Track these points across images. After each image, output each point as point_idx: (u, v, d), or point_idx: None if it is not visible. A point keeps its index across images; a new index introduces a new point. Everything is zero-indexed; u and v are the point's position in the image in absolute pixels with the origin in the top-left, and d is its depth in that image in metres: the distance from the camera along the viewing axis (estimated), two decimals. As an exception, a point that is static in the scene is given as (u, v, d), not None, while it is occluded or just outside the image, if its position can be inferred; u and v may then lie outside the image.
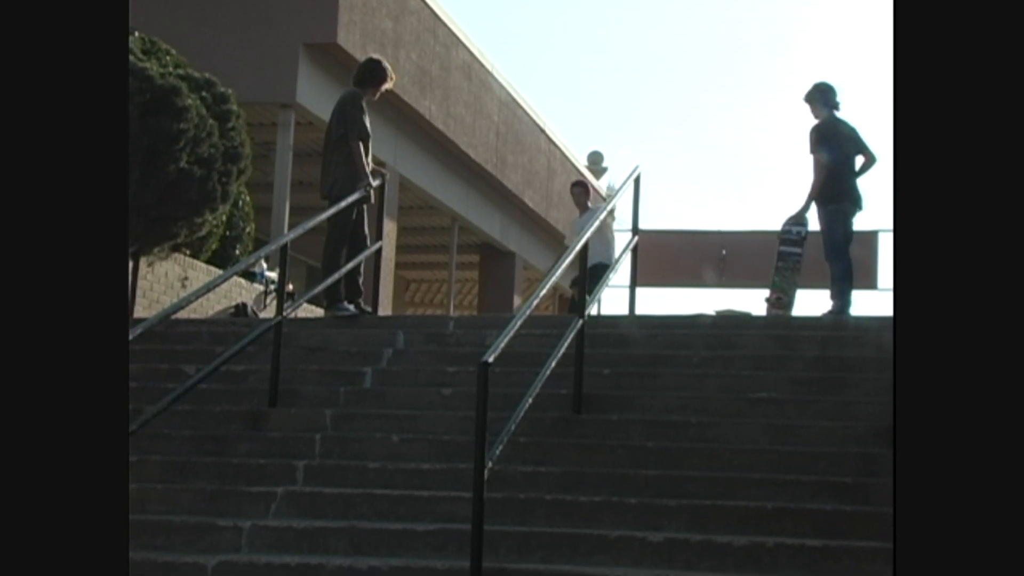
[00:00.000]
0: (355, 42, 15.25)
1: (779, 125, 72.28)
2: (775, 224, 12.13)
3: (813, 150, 11.32)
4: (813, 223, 11.54)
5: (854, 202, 11.38)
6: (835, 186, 11.24)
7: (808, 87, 11.60)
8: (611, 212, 13.49)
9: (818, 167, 11.23)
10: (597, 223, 9.20)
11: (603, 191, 25.08)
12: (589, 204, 14.31)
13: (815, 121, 11.44)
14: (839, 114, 11.44)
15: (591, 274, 11.74)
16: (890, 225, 18.08)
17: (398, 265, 19.08)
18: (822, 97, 11.48)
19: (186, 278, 11.64)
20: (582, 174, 24.80)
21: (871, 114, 65.90)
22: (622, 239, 12.78)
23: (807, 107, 11.56)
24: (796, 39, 73.68)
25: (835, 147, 11.24)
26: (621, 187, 10.52)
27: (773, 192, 65.55)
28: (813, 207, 11.36)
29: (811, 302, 25.70)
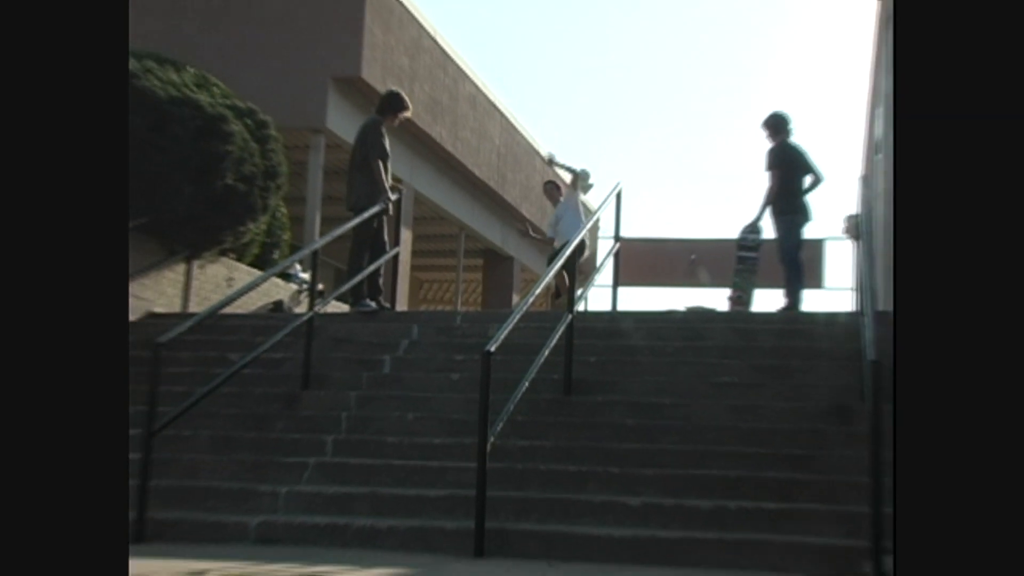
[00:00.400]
0: (376, 76, 15.23)
1: (742, 147, 72.34)
2: (736, 232, 12.14)
3: (768, 168, 11.34)
4: (767, 232, 11.57)
5: (804, 214, 11.44)
6: (788, 201, 11.28)
7: (766, 115, 11.62)
8: (589, 213, 13.34)
9: (772, 183, 11.27)
10: (587, 229, 9.23)
11: (591, 205, 25.01)
12: (561, 199, 14.13)
13: (771, 144, 11.46)
14: (792, 139, 11.47)
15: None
16: (834, 234, 18.08)
17: (413, 268, 19.07)
18: (778, 125, 11.51)
19: (231, 278, 11.62)
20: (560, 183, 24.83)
21: (827, 136, 65.86)
22: (605, 246, 12.78)
23: (764, 131, 11.59)
24: (761, 74, 73.70)
25: (788, 168, 11.28)
26: (604, 202, 10.55)
27: (736, 205, 65.66)
28: (767, 217, 11.40)
29: (767, 299, 25.70)
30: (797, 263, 11.32)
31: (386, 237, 10.52)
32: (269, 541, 6.27)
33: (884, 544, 5.58)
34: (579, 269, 8.59)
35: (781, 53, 75.35)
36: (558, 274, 12.52)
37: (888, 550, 5.61)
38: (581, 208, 13.90)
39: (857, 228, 11.89)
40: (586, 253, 13.68)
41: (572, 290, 8.35)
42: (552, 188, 14.66)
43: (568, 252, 8.52)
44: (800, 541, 5.85)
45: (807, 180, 11.45)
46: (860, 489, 5.95)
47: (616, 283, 11.50)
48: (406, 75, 16.25)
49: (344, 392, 8.44)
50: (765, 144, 11.55)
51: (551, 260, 12.78)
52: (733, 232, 12.54)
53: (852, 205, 21.44)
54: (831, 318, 10.32)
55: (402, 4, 16.40)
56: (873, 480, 5.65)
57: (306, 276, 12.77)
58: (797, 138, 11.55)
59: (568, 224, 13.17)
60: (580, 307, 9.30)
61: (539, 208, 22.72)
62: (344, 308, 11.15)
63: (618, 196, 10.67)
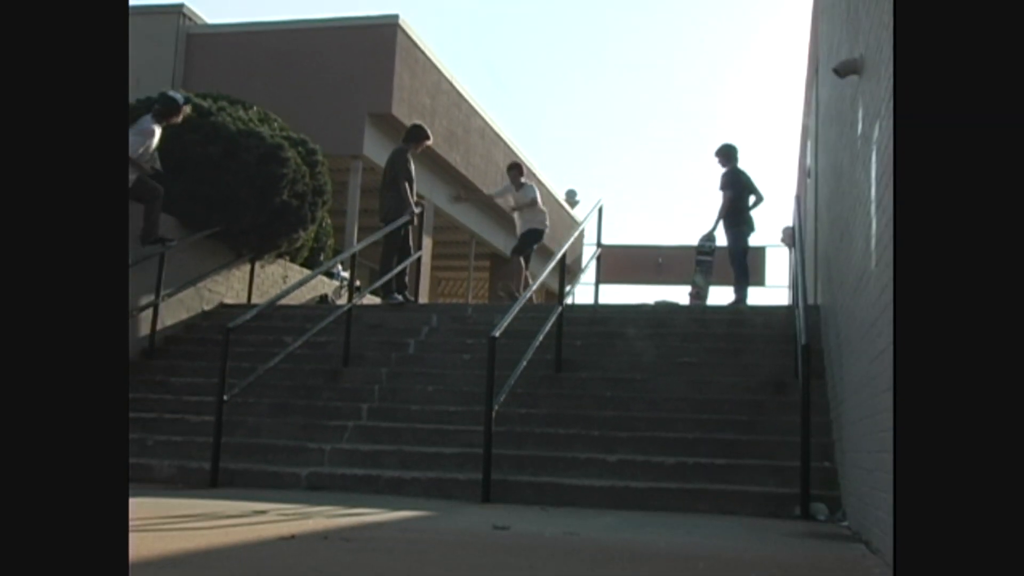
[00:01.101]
0: (404, 112, 15.22)
1: (701, 169, 72.23)
2: (696, 240, 12.15)
3: (721, 188, 11.36)
4: (720, 240, 11.57)
5: (749, 226, 11.47)
6: (738, 215, 11.31)
7: (719, 146, 11.64)
8: (534, 201, 12.34)
9: (724, 201, 11.30)
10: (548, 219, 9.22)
11: (577, 219, 24.96)
12: (523, 181, 12.68)
13: (723, 169, 11.47)
14: (739, 165, 11.49)
15: (529, 237, 12.26)
16: (773, 242, 18.04)
17: (433, 268, 19.05)
18: (729, 153, 11.52)
19: (286, 276, 11.63)
20: (563, 205, 24.79)
21: (768, 161, 65.70)
22: (589, 251, 12.74)
23: (717, 159, 11.61)
24: (716, 112, 73.57)
25: (737, 188, 11.29)
26: (587, 215, 10.54)
27: (696, 217, 65.62)
28: (720, 228, 11.42)
29: (719, 295, 25.61)
30: (744, 266, 11.35)
31: (411, 243, 10.54)
32: (317, 488, 6.30)
33: (810, 492, 5.62)
34: (568, 269, 8.53)
35: (733, 96, 75.22)
36: (524, 278, 12.21)
37: (814, 496, 5.65)
38: (539, 197, 12.69)
39: (792, 238, 11.91)
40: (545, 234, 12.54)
41: (562, 286, 8.36)
42: (516, 172, 12.84)
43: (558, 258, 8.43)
44: (745, 490, 5.88)
45: (752, 199, 11.49)
46: (793, 447, 5.97)
47: (598, 281, 11.50)
48: (428, 112, 16.24)
49: (377, 369, 8.45)
50: (718, 169, 11.58)
51: (519, 248, 12.44)
52: (693, 240, 12.50)
53: (788, 219, 21.39)
54: (771, 310, 10.34)
55: (425, 54, 16.39)
56: (803, 440, 5.68)
57: (346, 274, 12.79)
58: (743, 164, 11.60)
59: (530, 216, 12.45)
60: (569, 300, 9.32)
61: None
62: (377, 301, 11.17)
63: (600, 211, 10.69)
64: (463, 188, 14.42)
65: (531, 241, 12.47)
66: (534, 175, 22.45)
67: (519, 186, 12.65)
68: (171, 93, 9.09)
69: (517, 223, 12.68)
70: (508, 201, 13.04)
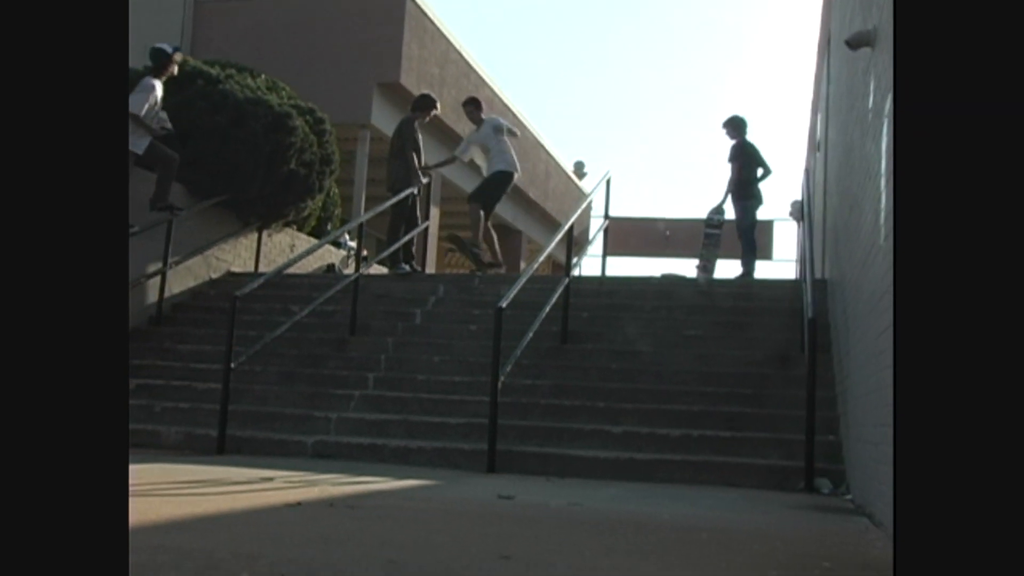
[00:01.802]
0: (412, 82, 15.16)
1: (710, 142, 71.89)
2: (703, 213, 12.12)
3: (730, 161, 11.32)
4: (729, 214, 11.55)
5: (758, 199, 11.44)
6: (746, 189, 11.28)
7: (728, 118, 11.58)
8: (510, 131, 10.65)
9: (733, 174, 11.26)
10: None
11: (585, 190, 24.88)
12: (483, 117, 10.76)
13: (732, 142, 11.43)
14: (747, 138, 11.44)
15: (498, 179, 10.50)
16: (782, 216, 18.00)
17: (440, 238, 19.05)
18: (737, 126, 11.47)
19: (294, 245, 11.65)
20: (571, 177, 24.71)
21: (778, 134, 65.43)
22: (596, 223, 12.66)
23: (725, 130, 11.57)
24: (726, 82, 73.14)
25: (745, 161, 11.25)
26: (596, 186, 10.51)
27: (704, 190, 65.44)
28: (729, 202, 11.39)
29: (727, 268, 25.55)
30: (752, 240, 11.34)
31: (419, 213, 10.54)
32: (323, 456, 6.34)
33: (815, 465, 5.65)
34: (575, 241, 8.45)
35: (743, 68, 74.74)
36: (485, 231, 10.54)
37: (819, 470, 5.68)
38: (505, 135, 10.65)
39: (801, 211, 11.88)
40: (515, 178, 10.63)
41: (569, 257, 8.35)
42: (473, 108, 10.84)
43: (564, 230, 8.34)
44: (749, 462, 5.91)
45: (759, 172, 11.45)
46: (797, 421, 6.00)
47: (605, 253, 11.51)
48: (436, 81, 16.18)
49: (383, 338, 8.48)
50: (726, 141, 11.53)
51: (478, 194, 10.67)
52: (701, 213, 12.47)
53: (797, 192, 21.34)
54: (778, 284, 10.34)
55: (434, 24, 16.30)
56: (808, 414, 5.70)
57: (353, 244, 12.81)
58: (752, 137, 11.54)
59: (496, 155, 10.52)
60: (576, 272, 9.32)
61: (542, 191, 22.66)
62: (383, 270, 11.18)
63: (608, 182, 10.65)
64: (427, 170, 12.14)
65: (496, 187, 10.54)
66: (542, 146, 22.43)
67: (479, 123, 10.74)
68: (159, 45, 9.01)
69: (483, 166, 10.94)
70: (474, 153, 11.02)
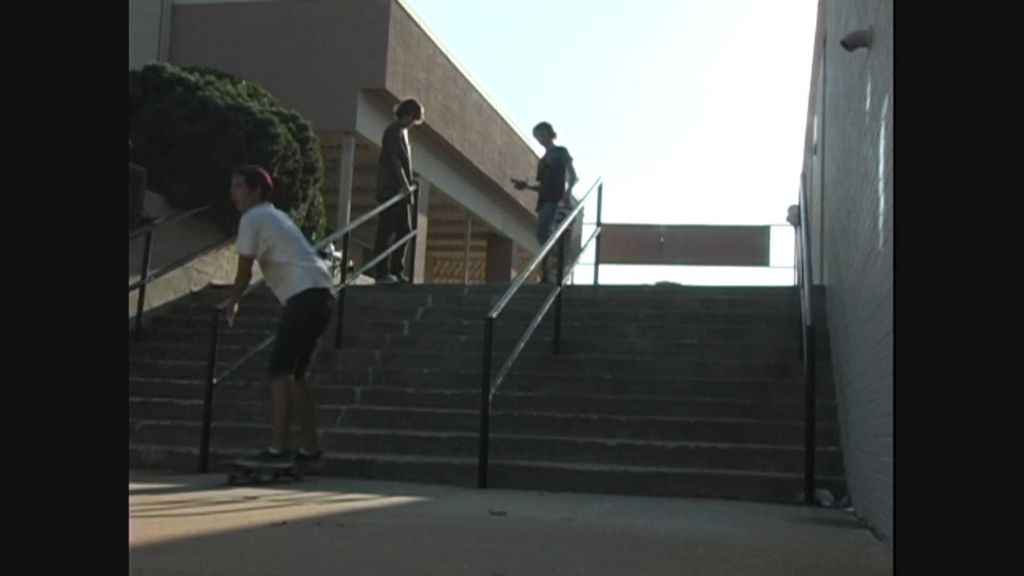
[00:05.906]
0: (398, 88, 15.18)
1: (701, 148, 72.05)
2: (701, 219, 12.13)
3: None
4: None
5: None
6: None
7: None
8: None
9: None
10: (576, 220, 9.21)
11: (576, 196, 24.86)
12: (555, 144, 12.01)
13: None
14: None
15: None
16: (777, 221, 18.06)
17: (428, 247, 19.04)
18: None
19: (277, 256, 11.63)
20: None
21: (772, 138, 65.57)
22: (588, 230, 12.63)
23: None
24: (720, 88, 73.31)
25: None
26: (587, 193, 10.53)
27: (702, 195, 65.57)
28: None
29: (725, 275, 25.50)
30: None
31: (408, 222, 10.54)
32: (309, 472, 6.32)
33: (815, 477, 5.65)
34: (566, 248, 8.47)
35: (735, 71, 75.02)
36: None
37: (819, 482, 5.68)
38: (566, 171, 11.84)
39: (798, 216, 11.90)
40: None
41: (561, 266, 8.36)
42: (545, 133, 12.31)
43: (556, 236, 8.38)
44: (747, 474, 5.91)
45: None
46: (796, 432, 6.00)
47: (598, 261, 11.50)
48: (423, 87, 16.20)
49: (371, 351, 8.46)
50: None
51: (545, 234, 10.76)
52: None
53: (794, 197, 21.39)
54: (775, 291, 10.35)
55: (419, 27, 16.33)
56: (807, 424, 5.71)
57: (339, 254, 12.79)
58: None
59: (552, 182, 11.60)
60: (567, 281, 9.33)
61: (532, 197, 22.68)
62: (370, 281, 11.17)
63: (599, 188, 10.66)
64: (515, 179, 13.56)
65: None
66: (532, 151, 22.48)
67: (552, 149, 11.77)
68: None
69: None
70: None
